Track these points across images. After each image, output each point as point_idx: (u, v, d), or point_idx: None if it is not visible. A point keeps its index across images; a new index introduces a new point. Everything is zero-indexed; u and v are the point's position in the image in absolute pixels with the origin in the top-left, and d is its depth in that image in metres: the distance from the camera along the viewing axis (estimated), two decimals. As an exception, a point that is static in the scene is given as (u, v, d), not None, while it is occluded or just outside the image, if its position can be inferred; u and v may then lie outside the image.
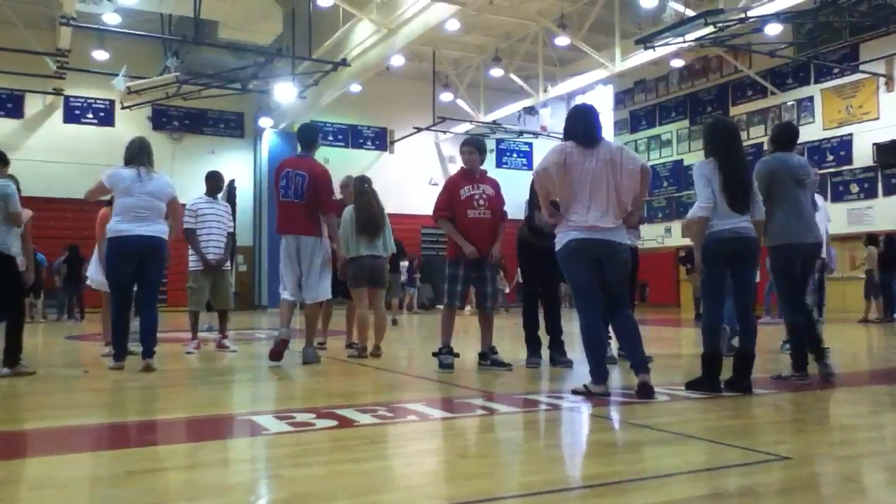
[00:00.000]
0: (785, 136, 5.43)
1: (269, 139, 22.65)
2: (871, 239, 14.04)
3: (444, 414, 4.20)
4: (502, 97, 22.74)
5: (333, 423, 3.75)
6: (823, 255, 6.83)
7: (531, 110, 23.10)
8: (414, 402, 4.46)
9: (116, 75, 19.09)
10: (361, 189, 7.22)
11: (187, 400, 4.93)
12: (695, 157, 19.88)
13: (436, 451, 3.45)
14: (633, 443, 3.52)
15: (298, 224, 6.39)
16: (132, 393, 5.11)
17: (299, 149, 6.80)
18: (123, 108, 20.82)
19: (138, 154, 6.11)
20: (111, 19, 16.41)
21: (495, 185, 6.19)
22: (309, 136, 6.83)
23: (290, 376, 5.96)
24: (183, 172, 17.20)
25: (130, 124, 21.20)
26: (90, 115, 21.41)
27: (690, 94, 21.87)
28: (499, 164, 25.17)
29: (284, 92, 18.75)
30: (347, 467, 2.89)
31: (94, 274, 7.35)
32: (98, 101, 21.28)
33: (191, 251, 7.67)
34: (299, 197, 6.39)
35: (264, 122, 22.34)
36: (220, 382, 5.88)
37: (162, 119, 22.06)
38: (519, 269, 6.51)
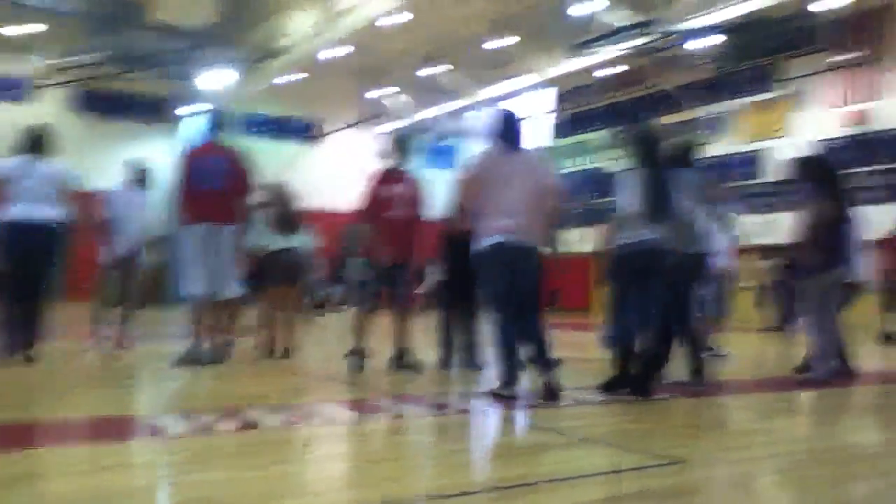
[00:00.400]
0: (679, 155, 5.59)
1: (195, 126, 22.06)
2: (774, 250, 14.64)
3: (353, 417, 4.21)
4: (435, 97, 22.78)
5: (238, 425, 3.72)
6: (723, 265, 7.18)
7: (463, 111, 23.25)
8: (322, 404, 4.46)
9: (34, 53, 18.31)
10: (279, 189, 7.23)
11: (83, 400, 4.73)
12: (618, 165, 20.33)
13: (343, 455, 3.46)
14: (537, 446, 3.61)
15: (215, 212, 6.02)
16: (21, 392, 4.89)
17: (211, 135, 6.51)
18: (38, 87, 19.92)
19: (34, 144, 5.99)
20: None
21: (414, 185, 6.16)
22: (223, 121, 6.65)
23: (194, 377, 5.74)
24: (103, 157, 16.59)
25: (47, 104, 20.30)
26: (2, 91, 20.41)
27: (617, 103, 22.36)
28: (429, 164, 25.20)
29: (213, 79, 18.31)
30: (251, 472, 2.87)
31: None
32: (9, 79, 20.29)
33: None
34: (217, 184, 6.05)
35: (190, 108, 21.79)
36: (120, 383, 5.68)
37: (82, 101, 21.21)
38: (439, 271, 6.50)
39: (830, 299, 5.95)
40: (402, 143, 6.26)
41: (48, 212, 5.86)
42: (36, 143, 6.04)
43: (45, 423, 3.90)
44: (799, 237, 5.99)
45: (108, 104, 21.41)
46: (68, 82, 19.61)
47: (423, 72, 21.23)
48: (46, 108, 20.14)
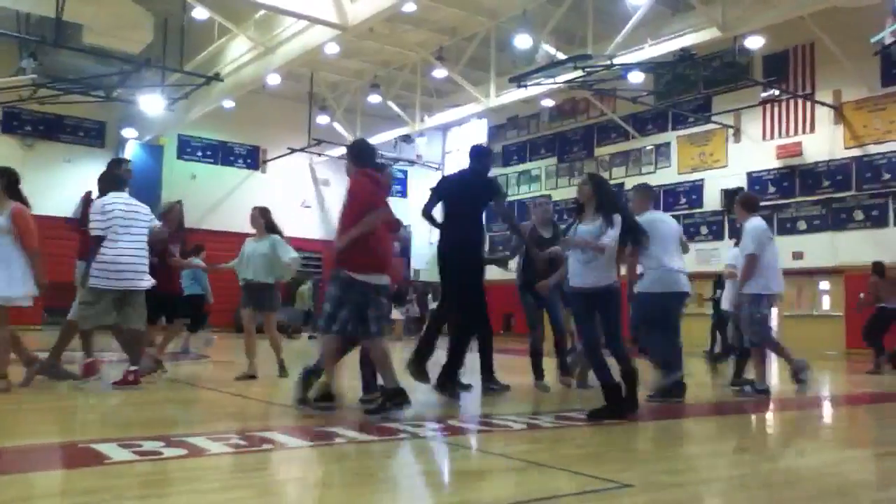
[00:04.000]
0: None
1: (133, 151, 21.58)
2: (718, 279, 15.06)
3: (301, 443, 4.11)
4: (379, 124, 22.82)
5: (183, 451, 3.59)
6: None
7: (407, 139, 23.32)
8: (271, 430, 4.35)
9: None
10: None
11: (20, 426, 4.56)
12: (561, 193, 20.72)
13: (290, 481, 3.37)
14: (485, 471, 3.59)
15: None
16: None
17: None
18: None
19: None
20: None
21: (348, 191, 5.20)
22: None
23: (137, 402, 5.63)
24: (35, 181, 16.07)
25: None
26: (-78, 112, 19.68)
27: (559, 133, 22.77)
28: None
29: (152, 103, 17.97)
30: (196, 498, 2.77)
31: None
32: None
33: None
34: None
35: (128, 132, 21.33)
36: (57, 407, 5.48)
37: (13, 123, 20.55)
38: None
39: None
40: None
41: None
42: None
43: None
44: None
45: (39, 126, 20.80)
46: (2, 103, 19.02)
47: (370, 98, 21.30)
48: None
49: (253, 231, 7.65)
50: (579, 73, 15.39)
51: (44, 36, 16.02)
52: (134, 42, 17.93)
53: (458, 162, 22.91)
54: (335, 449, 3.97)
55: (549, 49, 16.36)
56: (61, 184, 18.74)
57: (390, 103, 21.60)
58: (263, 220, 7.56)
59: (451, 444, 4.24)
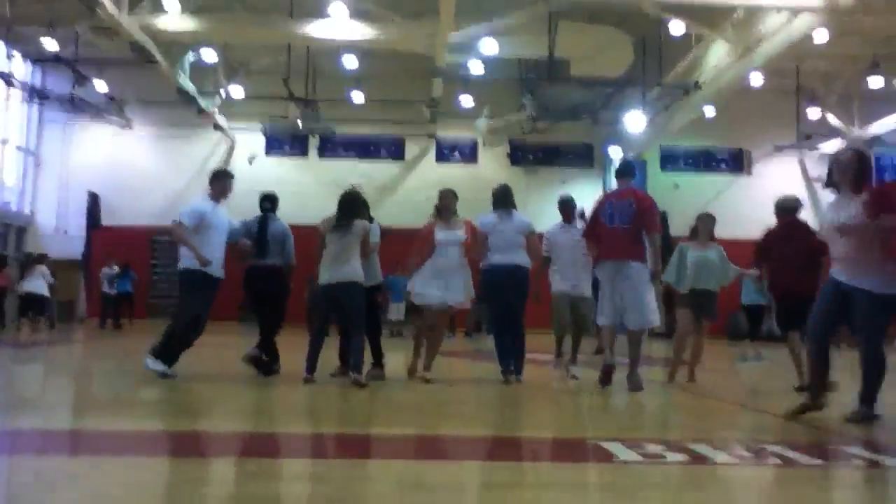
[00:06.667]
0: None
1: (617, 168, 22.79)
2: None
3: (811, 461, 3.78)
4: (883, 108, 20.06)
5: (684, 458, 3.62)
6: None
7: (918, 123, 20.03)
8: (777, 444, 4.10)
9: (479, 118, 21.00)
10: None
11: (535, 419, 5.15)
12: None
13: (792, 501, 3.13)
14: None
15: (622, 249, 6.51)
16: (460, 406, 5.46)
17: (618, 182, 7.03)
18: (485, 145, 22.73)
19: (501, 200, 7.04)
20: (475, 67, 18.03)
21: None
22: (626, 170, 7.25)
23: (632, 403, 5.90)
24: (537, 202, 18.12)
25: (491, 160, 23.02)
26: (457, 154, 23.66)
27: None
28: (880, 179, 22.15)
29: (634, 120, 18.73)
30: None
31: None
32: (463, 141, 23.42)
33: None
34: (625, 223, 6.52)
35: (613, 151, 22.58)
36: (564, 403, 6.02)
37: (518, 154, 23.49)
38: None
39: None
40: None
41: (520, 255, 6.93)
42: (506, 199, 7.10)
43: (497, 439, 4.31)
44: None
45: (539, 154, 23.37)
46: (507, 139, 22.04)
47: (870, 80, 18.85)
48: (489, 163, 22.85)
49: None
50: None
51: (538, 75, 18.09)
52: (615, 65, 18.99)
53: None
54: (856, 472, 3.57)
55: None
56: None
57: (895, 83, 18.80)
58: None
59: None
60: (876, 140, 20.47)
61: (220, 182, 6.98)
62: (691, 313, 7.33)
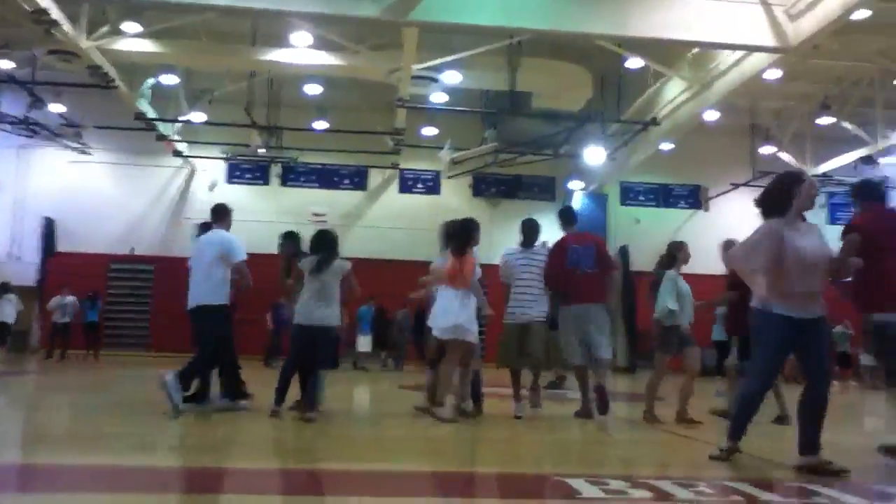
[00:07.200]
0: None
1: (579, 201, 23.07)
2: None
3: (771, 497, 3.81)
4: (833, 147, 20.68)
5: (648, 494, 3.61)
6: None
7: (868, 160, 20.63)
8: (735, 480, 4.11)
9: (441, 148, 21.10)
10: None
11: (506, 455, 5.09)
12: None
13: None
14: None
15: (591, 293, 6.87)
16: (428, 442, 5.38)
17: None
18: (448, 177, 22.83)
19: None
20: (438, 98, 18.14)
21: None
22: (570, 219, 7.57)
23: (598, 440, 5.89)
24: (500, 234, 18.20)
25: (454, 192, 23.10)
26: (420, 186, 23.67)
27: None
28: (832, 221, 22.75)
29: (594, 155, 19.01)
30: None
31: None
32: (426, 173, 23.46)
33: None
34: (591, 266, 6.91)
35: (574, 184, 22.85)
36: (528, 438, 5.98)
37: (481, 186, 23.62)
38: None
39: None
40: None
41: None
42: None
43: (467, 475, 4.24)
44: None
45: (501, 187, 23.56)
46: (470, 171, 22.16)
47: (820, 120, 19.47)
48: (451, 194, 22.95)
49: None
50: None
51: (501, 108, 18.28)
52: (576, 100, 19.32)
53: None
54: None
55: None
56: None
57: (845, 124, 19.45)
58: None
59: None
60: (827, 178, 21.04)
61: (229, 214, 7.14)
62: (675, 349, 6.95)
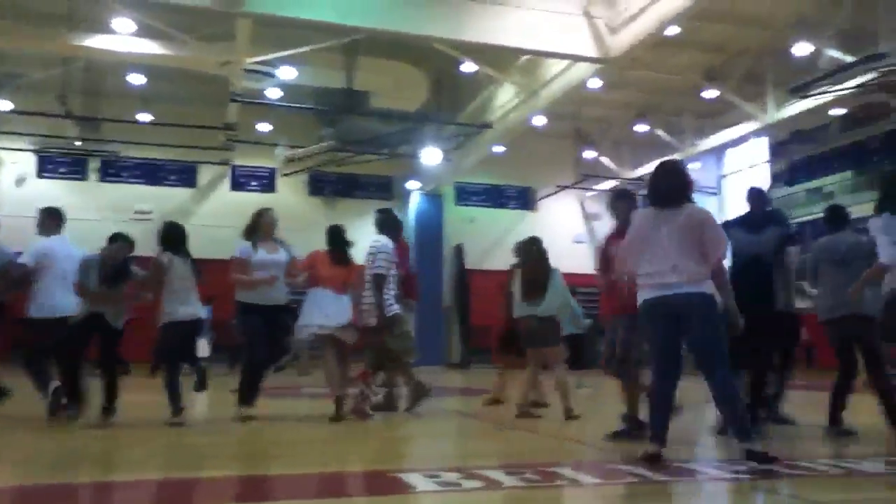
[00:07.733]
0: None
1: (416, 201, 23.38)
2: None
3: (593, 480, 4.04)
4: (648, 152, 22.29)
5: (480, 484, 3.71)
6: None
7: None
8: (565, 467, 4.32)
9: (277, 145, 20.63)
10: (529, 250, 7.25)
11: (327, 455, 5.06)
12: (864, 209, 18.49)
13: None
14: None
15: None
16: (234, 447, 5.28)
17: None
18: (284, 175, 22.34)
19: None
20: (273, 94, 17.71)
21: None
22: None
23: (438, 434, 5.98)
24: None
25: (290, 190, 22.65)
26: (254, 183, 23.00)
27: (854, 143, 20.52)
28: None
29: (430, 155, 19.34)
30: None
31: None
32: (261, 170, 22.84)
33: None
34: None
35: (411, 184, 23.10)
36: (361, 438, 5.98)
37: (318, 184, 23.32)
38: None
39: None
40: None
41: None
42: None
43: (268, 478, 4.17)
44: None
45: (338, 185, 23.37)
46: (306, 169, 21.80)
47: (637, 128, 20.93)
48: (287, 193, 22.48)
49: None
50: (872, 74, 13.80)
51: (338, 106, 18.15)
52: (412, 101, 19.57)
53: (738, 185, 21.59)
54: (629, 488, 3.85)
55: (832, 52, 14.86)
56: (357, 237, 20.85)
57: (659, 131, 21.05)
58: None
59: (759, 488, 3.90)
60: (643, 181, 22.67)
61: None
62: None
